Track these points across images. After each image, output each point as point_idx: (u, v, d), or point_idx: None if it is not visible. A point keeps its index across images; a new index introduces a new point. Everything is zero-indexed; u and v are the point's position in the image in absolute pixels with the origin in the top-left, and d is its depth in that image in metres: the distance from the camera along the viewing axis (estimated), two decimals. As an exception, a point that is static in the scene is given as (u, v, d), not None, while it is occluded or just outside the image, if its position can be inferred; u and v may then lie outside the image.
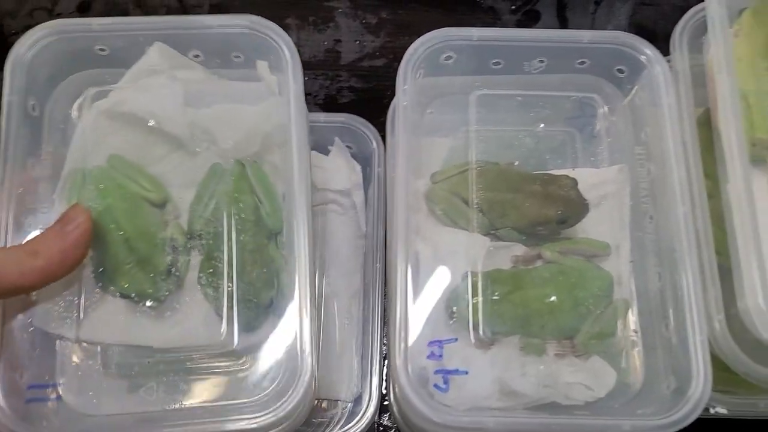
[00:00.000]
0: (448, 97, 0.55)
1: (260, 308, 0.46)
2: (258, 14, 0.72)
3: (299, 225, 0.45)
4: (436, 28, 0.51)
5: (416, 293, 0.48)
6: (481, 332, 0.47)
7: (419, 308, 0.47)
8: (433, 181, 0.52)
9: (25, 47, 0.48)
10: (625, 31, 0.70)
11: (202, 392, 0.46)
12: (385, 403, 0.56)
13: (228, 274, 0.46)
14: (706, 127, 0.48)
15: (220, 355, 0.46)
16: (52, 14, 0.71)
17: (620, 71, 0.53)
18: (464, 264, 0.49)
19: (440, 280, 0.49)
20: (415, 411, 0.42)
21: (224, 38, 0.50)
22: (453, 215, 0.51)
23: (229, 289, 0.46)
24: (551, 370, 0.46)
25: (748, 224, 0.42)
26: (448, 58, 0.52)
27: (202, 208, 0.48)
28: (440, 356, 0.46)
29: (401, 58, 0.51)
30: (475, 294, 0.47)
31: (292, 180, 0.46)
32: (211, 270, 0.47)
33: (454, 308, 0.48)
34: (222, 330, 0.46)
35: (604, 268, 0.49)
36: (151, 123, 0.49)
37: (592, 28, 0.72)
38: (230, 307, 0.46)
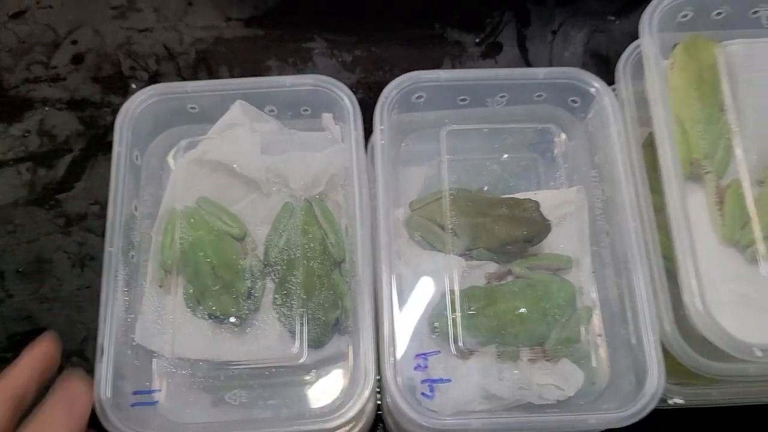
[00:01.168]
0: (421, 131, 0.60)
1: (327, 327, 0.52)
2: (243, 58, 0.78)
3: (364, 255, 0.51)
4: (408, 63, 0.56)
5: (401, 311, 0.52)
6: (460, 344, 0.51)
7: (405, 325, 0.51)
8: (411, 209, 0.57)
9: (131, 107, 0.56)
10: (580, 56, 0.76)
11: (276, 400, 0.52)
12: (379, 412, 0.60)
13: (299, 296, 0.52)
14: (652, 147, 0.53)
15: (293, 368, 0.52)
16: (48, 67, 0.76)
17: (574, 101, 0.59)
18: (443, 283, 0.53)
19: (422, 299, 0.53)
20: (406, 418, 0.47)
21: (295, 95, 0.57)
22: (431, 239, 0.56)
23: (300, 310, 0.52)
24: (525, 374, 0.51)
25: (685, 235, 0.48)
26: (419, 97, 0.57)
27: (276, 240, 0.55)
28: (425, 367, 0.50)
29: (376, 91, 0.56)
30: (453, 310, 0.51)
31: (355, 216, 0.52)
32: (284, 293, 0.53)
33: (436, 324, 0.52)
34: (295, 346, 0.52)
35: (567, 280, 0.54)
36: (234, 167, 0.56)
37: (549, 56, 0.76)
38: (301, 326, 0.52)
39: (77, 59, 0.77)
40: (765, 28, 0.56)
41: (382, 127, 0.54)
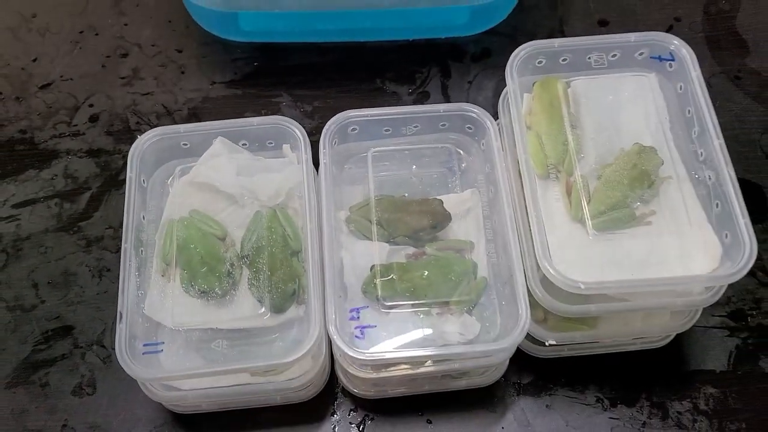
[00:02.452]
0: (358, 156, 0.74)
1: (286, 296, 0.65)
2: (225, 111, 0.96)
3: (312, 245, 0.66)
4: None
5: (342, 281, 0.66)
6: (383, 301, 0.64)
7: (343, 290, 0.66)
8: (350, 211, 0.70)
9: (140, 144, 0.71)
10: (490, 99, 0.95)
11: (250, 353, 0.66)
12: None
13: (265, 274, 0.66)
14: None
15: (262, 328, 0.66)
16: (70, 125, 0.91)
17: (469, 128, 0.72)
18: (373, 261, 0.67)
19: (357, 272, 0.67)
20: (343, 353, 0.60)
21: (261, 131, 0.72)
22: (364, 231, 0.68)
23: (266, 283, 0.66)
24: (434, 323, 0.64)
25: (535, 217, 0.63)
26: (353, 129, 0.71)
27: (249, 237, 0.69)
28: (358, 317, 0.64)
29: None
30: (376, 277, 0.65)
31: (306, 217, 0.67)
32: (255, 273, 0.67)
33: (365, 288, 0.65)
34: (262, 311, 0.66)
35: (465, 258, 0.68)
36: (217, 186, 0.72)
37: (467, 100, 0.90)
38: (267, 294, 0.65)
39: (93, 118, 0.92)
40: (594, 69, 0.72)
41: (324, 150, 0.69)
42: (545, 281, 0.63)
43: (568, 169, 0.68)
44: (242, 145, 0.74)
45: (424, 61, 0.95)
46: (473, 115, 0.72)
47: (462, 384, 0.71)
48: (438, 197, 0.71)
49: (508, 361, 0.70)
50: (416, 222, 0.69)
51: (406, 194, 0.73)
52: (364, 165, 0.74)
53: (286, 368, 0.65)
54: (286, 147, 0.73)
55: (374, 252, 0.68)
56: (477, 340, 0.65)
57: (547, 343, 0.68)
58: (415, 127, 0.73)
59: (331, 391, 0.74)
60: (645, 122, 0.70)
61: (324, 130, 0.71)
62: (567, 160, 0.68)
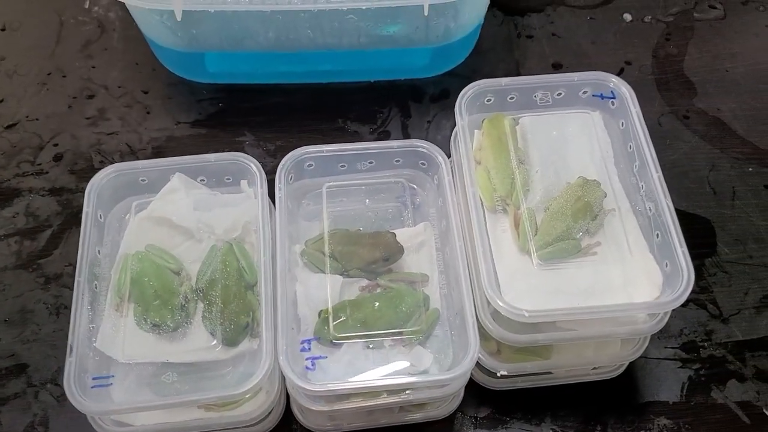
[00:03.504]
0: (315, 192, 0.75)
1: (239, 329, 0.65)
2: (189, 151, 0.96)
3: (266, 278, 0.66)
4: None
5: (296, 314, 0.67)
6: (331, 339, 0.65)
7: (299, 322, 0.66)
8: (306, 245, 0.72)
9: (97, 180, 0.72)
10: (448, 137, 0.96)
11: (201, 387, 0.65)
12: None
13: (218, 307, 0.67)
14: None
15: (214, 362, 0.66)
16: (34, 164, 0.92)
17: (423, 164, 0.74)
18: (327, 295, 0.67)
19: (311, 305, 0.68)
20: (295, 386, 0.60)
21: (218, 167, 0.73)
22: (318, 264, 0.70)
23: (219, 316, 0.66)
24: (386, 355, 0.64)
25: (481, 249, 0.64)
26: (309, 165, 0.73)
27: (204, 271, 0.69)
28: (309, 349, 0.65)
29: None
30: (328, 322, 0.66)
31: (260, 251, 0.67)
32: (209, 307, 0.67)
33: (317, 333, 0.66)
34: (214, 343, 0.66)
35: (417, 290, 0.68)
36: (173, 221, 0.73)
37: (426, 138, 0.89)
38: (220, 326, 0.66)
39: (57, 157, 0.92)
40: (540, 106, 0.75)
41: (280, 185, 0.70)
42: (495, 312, 0.64)
43: (516, 202, 0.70)
44: (200, 181, 0.75)
45: (385, 101, 0.97)
46: (425, 150, 0.74)
47: (418, 417, 0.71)
48: (391, 231, 0.72)
49: (462, 393, 0.71)
50: (369, 255, 0.70)
51: (361, 228, 0.74)
52: (320, 200, 0.75)
53: (238, 402, 0.65)
54: (243, 182, 0.74)
55: (328, 285, 0.69)
56: (429, 372, 0.65)
57: (498, 374, 0.68)
58: (370, 163, 0.75)
59: (287, 427, 0.73)
60: (590, 157, 0.73)
61: (280, 166, 0.72)
62: (515, 194, 0.70)
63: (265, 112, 0.96)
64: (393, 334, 0.66)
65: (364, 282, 0.71)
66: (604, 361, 0.72)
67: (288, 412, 0.73)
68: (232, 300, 0.67)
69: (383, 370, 0.64)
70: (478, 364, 0.67)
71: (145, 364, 0.66)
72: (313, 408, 0.64)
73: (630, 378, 0.76)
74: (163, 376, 0.68)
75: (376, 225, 0.75)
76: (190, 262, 0.72)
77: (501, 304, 0.63)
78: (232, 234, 0.72)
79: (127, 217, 0.74)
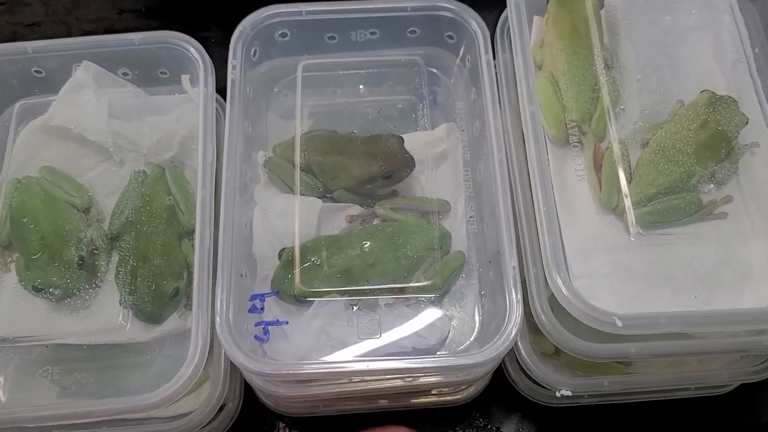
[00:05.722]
0: (290, 77, 0.57)
1: (162, 298, 0.48)
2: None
3: (203, 217, 0.48)
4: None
5: (248, 254, 0.50)
6: (296, 293, 0.48)
7: (255, 264, 0.49)
8: (274, 152, 0.54)
9: None
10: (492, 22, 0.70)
11: (112, 383, 0.49)
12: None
13: (132, 267, 0.49)
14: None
15: (131, 346, 0.49)
16: None
17: (450, 37, 0.56)
18: (295, 226, 0.49)
19: (274, 240, 0.50)
20: (239, 365, 0.43)
21: (146, 55, 0.56)
22: (285, 179, 0.52)
23: (134, 284, 0.48)
24: (380, 320, 0.47)
25: (545, 210, 0.44)
26: (283, 35, 0.54)
27: (120, 210, 0.52)
28: (261, 309, 0.47)
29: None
30: (290, 267, 0.48)
31: (198, 174, 0.49)
32: (122, 266, 0.50)
33: (275, 283, 0.48)
34: (119, 319, 0.49)
35: (431, 223, 0.51)
36: (75, 131, 0.54)
37: None
38: (129, 296, 0.48)
39: None
40: None
41: (235, 62, 0.51)
42: (555, 300, 0.44)
43: (598, 131, 0.50)
44: (123, 75, 0.57)
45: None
46: (452, 15, 0.54)
47: (429, 401, 0.55)
48: (397, 134, 0.53)
49: (491, 374, 0.53)
50: (362, 168, 0.50)
51: (355, 131, 0.55)
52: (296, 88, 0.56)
53: (162, 404, 0.46)
54: (185, 78, 0.57)
55: (297, 211, 0.50)
56: (445, 345, 0.48)
57: (558, 393, 0.50)
58: (372, 33, 0.55)
59: (256, 413, 0.56)
60: (717, 59, 0.52)
61: (236, 33, 0.54)
62: (597, 116, 0.50)
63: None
64: (392, 290, 0.48)
65: (354, 210, 0.52)
66: (714, 380, 0.53)
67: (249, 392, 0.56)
68: (155, 254, 0.50)
69: (373, 344, 0.47)
70: (522, 370, 0.50)
71: (31, 344, 0.50)
72: (274, 393, 0.47)
73: (742, 395, 0.57)
74: (59, 366, 0.49)
75: (377, 126, 0.56)
76: (106, 195, 0.55)
77: (574, 301, 0.42)
78: (165, 154, 0.55)
79: (15, 125, 0.57)
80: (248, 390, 0.57)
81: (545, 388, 0.51)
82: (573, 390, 0.49)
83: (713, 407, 0.57)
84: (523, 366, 0.48)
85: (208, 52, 0.74)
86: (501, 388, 0.54)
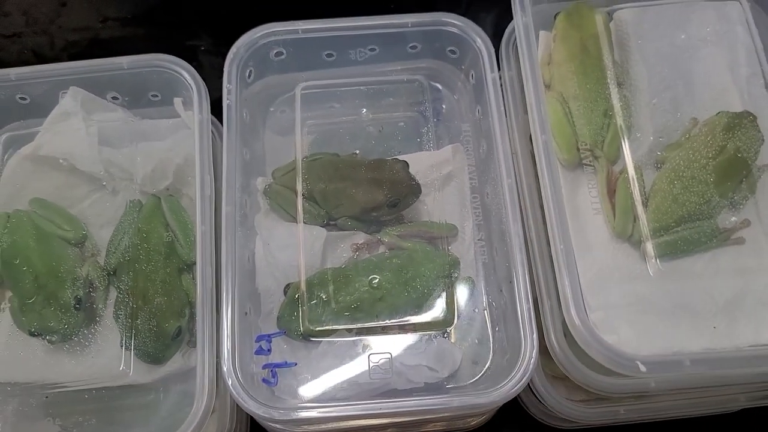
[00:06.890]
0: (287, 95, 0.55)
1: (164, 338, 0.46)
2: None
3: (204, 252, 0.45)
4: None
5: (251, 289, 0.47)
6: (303, 335, 0.46)
7: (258, 299, 0.47)
8: (273, 177, 0.52)
9: None
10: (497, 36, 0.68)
11: (113, 424, 0.47)
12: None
13: (132, 309, 0.46)
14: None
15: (133, 388, 0.47)
16: None
17: (452, 52, 0.54)
18: (300, 258, 0.47)
19: (277, 273, 0.48)
20: (250, 412, 0.41)
21: (136, 78, 0.53)
22: (287, 207, 0.50)
23: (129, 321, 0.46)
24: (393, 356, 0.45)
25: (560, 240, 0.42)
26: (279, 54, 0.52)
27: (116, 243, 0.50)
28: (269, 351, 0.45)
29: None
30: (297, 304, 0.46)
31: (197, 206, 0.47)
32: (123, 305, 0.47)
33: (281, 320, 0.46)
34: (121, 362, 0.46)
35: (440, 250, 0.49)
36: (65, 163, 0.51)
37: None
38: (130, 338, 0.46)
39: None
40: None
41: (230, 86, 0.49)
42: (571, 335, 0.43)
43: (611, 154, 0.47)
44: (112, 99, 0.55)
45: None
46: (455, 30, 0.51)
47: (440, 426, 0.52)
48: (401, 157, 0.51)
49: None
50: (365, 196, 0.48)
51: (357, 152, 0.53)
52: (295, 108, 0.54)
53: None
54: (177, 101, 0.54)
55: (301, 242, 0.48)
56: (456, 376, 0.46)
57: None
58: (371, 50, 0.53)
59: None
60: (731, 74, 0.49)
61: (230, 55, 0.51)
62: (609, 139, 0.47)
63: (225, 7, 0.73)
64: (403, 326, 0.46)
65: (359, 237, 0.50)
66: (733, 403, 0.50)
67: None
68: (155, 294, 0.47)
69: (384, 382, 0.45)
70: (533, 392, 0.47)
71: (29, 387, 0.47)
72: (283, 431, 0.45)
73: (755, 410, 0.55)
74: (55, 409, 0.46)
75: (380, 145, 0.54)
76: (100, 226, 0.53)
77: (592, 342, 0.40)
78: (161, 183, 0.53)
79: (1, 155, 0.54)
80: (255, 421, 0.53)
81: (556, 412, 0.49)
82: (584, 419, 0.47)
83: (726, 423, 0.56)
84: (535, 390, 0.46)
85: (198, 61, 0.72)
86: (512, 411, 0.52)
